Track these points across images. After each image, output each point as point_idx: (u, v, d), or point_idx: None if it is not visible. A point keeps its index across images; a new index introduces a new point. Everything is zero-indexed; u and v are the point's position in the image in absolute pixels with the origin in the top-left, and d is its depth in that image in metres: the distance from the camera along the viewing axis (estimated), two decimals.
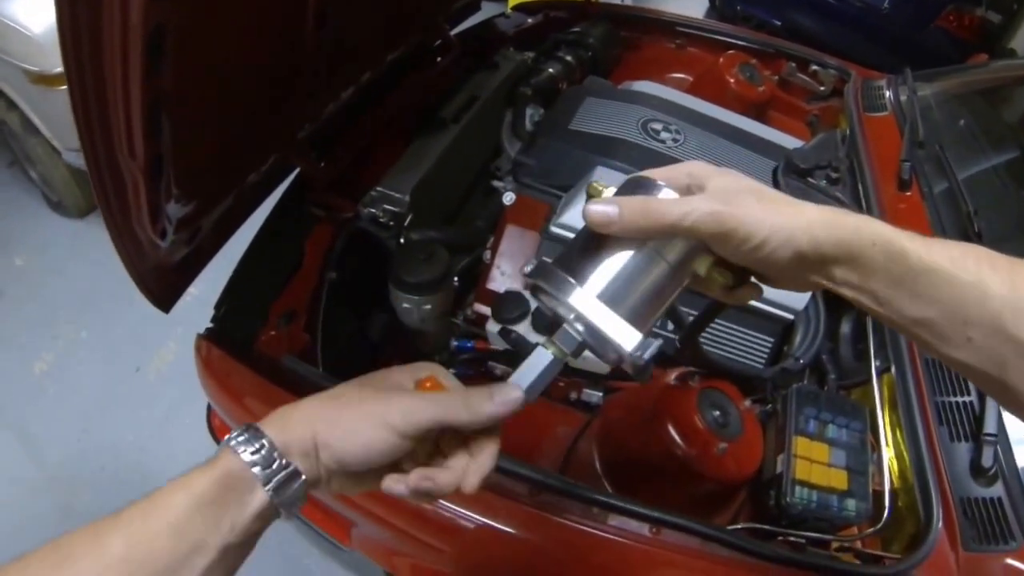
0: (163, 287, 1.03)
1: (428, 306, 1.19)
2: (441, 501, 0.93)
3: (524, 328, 1.14)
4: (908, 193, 1.36)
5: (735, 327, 1.17)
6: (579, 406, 1.23)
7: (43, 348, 2.21)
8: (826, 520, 0.97)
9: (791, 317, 1.17)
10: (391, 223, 1.29)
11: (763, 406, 1.12)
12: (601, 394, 1.19)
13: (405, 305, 1.20)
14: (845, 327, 1.22)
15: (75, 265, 2.37)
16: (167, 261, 1.00)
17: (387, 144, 1.46)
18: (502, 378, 1.20)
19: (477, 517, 0.94)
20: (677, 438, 1.00)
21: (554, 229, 1.18)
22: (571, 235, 1.15)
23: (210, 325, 1.16)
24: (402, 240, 1.27)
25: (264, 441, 0.51)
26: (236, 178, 1.09)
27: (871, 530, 0.98)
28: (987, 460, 0.96)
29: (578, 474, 1.13)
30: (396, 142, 1.46)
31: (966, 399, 1.01)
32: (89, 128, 0.75)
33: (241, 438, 0.51)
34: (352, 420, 0.53)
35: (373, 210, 1.31)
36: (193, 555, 0.47)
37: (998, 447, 0.96)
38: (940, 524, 0.92)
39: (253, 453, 0.50)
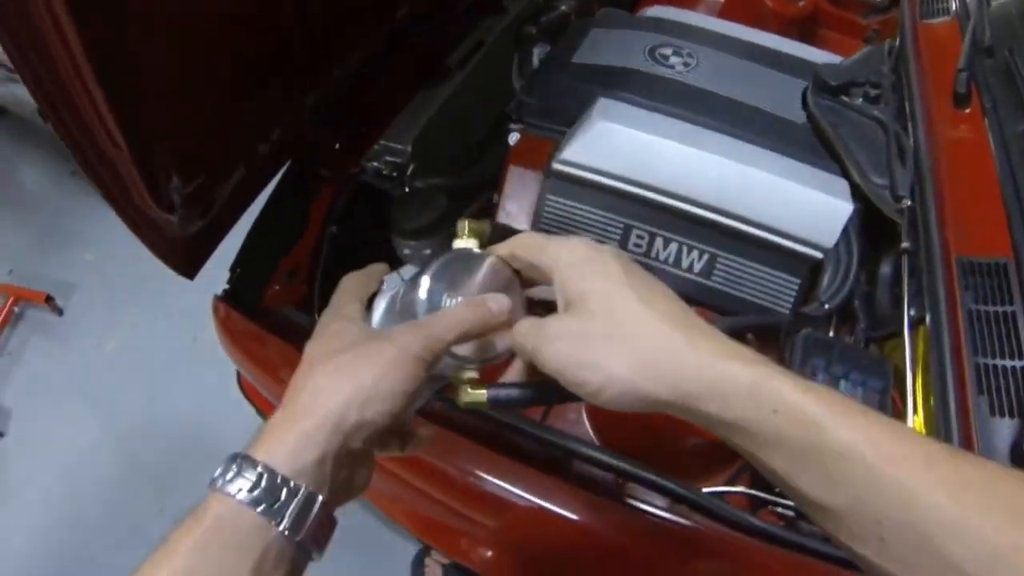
0: (183, 258, 1.05)
1: (428, 251, 1.16)
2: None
3: None
4: (966, 110, 1.16)
5: (754, 265, 1.05)
6: None
7: (113, 329, 2.45)
8: None
9: (819, 256, 1.04)
10: (394, 174, 1.26)
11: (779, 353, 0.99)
12: None
13: (406, 251, 1.18)
14: (885, 268, 1.06)
15: (135, 253, 2.46)
16: (183, 234, 1.01)
17: (395, 98, 1.40)
18: None
19: (449, 463, 0.89)
20: None
21: (556, 166, 1.10)
22: (574, 171, 1.08)
23: (225, 287, 1.19)
24: (406, 189, 1.24)
25: (259, 470, 0.42)
26: (242, 152, 1.08)
27: None
28: None
29: (562, 419, 1.06)
30: (404, 95, 1.41)
31: (1016, 363, 0.83)
32: (68, 132, 0.76)
33: (229, 475, 0.42)
34: (375, 378, 0.46)
35: (376, 164, 1.28)
36: None
37: None
38: None
39: (251, 490, 0.41)
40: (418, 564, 1.68)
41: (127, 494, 2.12)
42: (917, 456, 0.36)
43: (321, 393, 0.46)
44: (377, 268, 0.62)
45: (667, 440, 0.92)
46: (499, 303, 0.52)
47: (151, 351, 2.36)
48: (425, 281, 0.53)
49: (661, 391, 0.41)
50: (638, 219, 1.07)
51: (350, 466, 0.47)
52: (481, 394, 0.53)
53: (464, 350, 0.53)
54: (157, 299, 2.40)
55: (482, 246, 0.59)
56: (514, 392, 0.54)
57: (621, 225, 1.08)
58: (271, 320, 1.11)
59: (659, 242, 1.07)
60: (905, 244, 1.01)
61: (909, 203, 1.04)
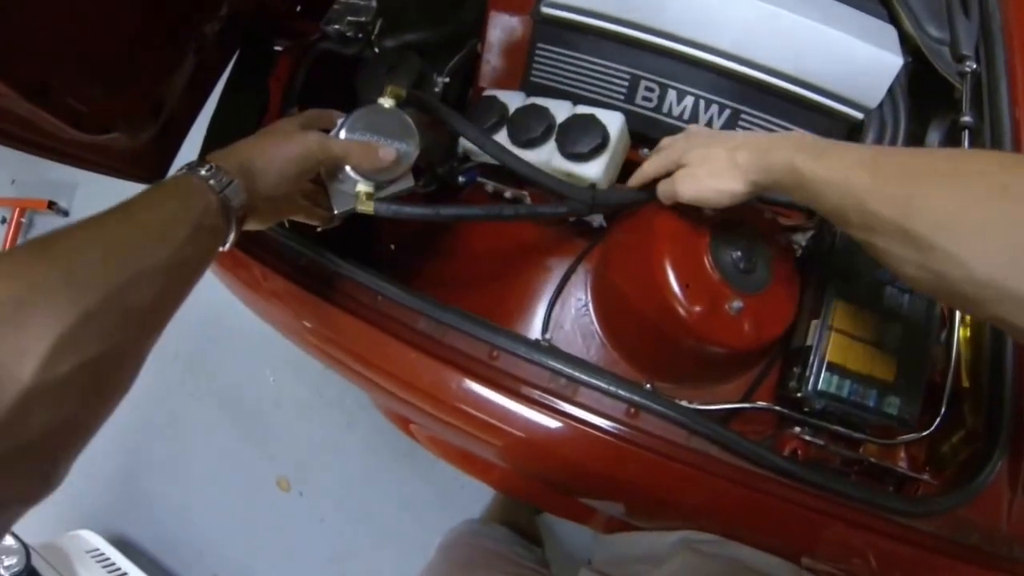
0: (143, 167, 0.99)
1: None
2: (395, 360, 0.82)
3: (502, 138, 0.91)
4: None
5: (783, 123, 0.88)
6: (580, 230, 0.98)
7: None
8: (856, 417, 0.75)
9: (859, 116, 0.86)
10: (359, 35, 1.07)
11: (808, 238, 0.85)
12: (601, 215, 0.95)
13: None
14: (933, 136, 0.89)
15: None
16: (135, 144, 0.95)
17: None
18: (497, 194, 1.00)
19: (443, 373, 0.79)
20: (676, 288, 0.75)
21: (546, 9, 0.91)
22: (566, 14, 0.90)
23: None
24: (376, 51, 1.06)
25: (209, 164, 0.61)
26: (184, 41, 0.97)
27: (908, 436, 0.76)
28: None
29: (568, 308, 0.93)
30: None
31: None
32: None
33: (189, 168, 0.61)
34: (278, 150, 0.68)
35: (337, 26, 1.08)
36: (172, 224, 0.54)
37: None
38: (1004, 453, 0.71)
39: (206, 171, 0.61)
40: None
41: (160, 379, 2.22)
42: (852, 164, 0.56)
43: (243, 149, 0.66)
44: (332, 111, 0.79)
45: (679, 338, 0.79)
46: (387, 153, 0.75)
47: None
48: (346, 122, 0.76)
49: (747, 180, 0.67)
50: (647, 69, 0.89)
51: (261, 199, 0.66)
52: (369, 204, 0.76)
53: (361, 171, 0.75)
54: None
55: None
56: (394, 206, 0.77)
57: (627, 76, 0.90)
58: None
59: (672, 95, 0.89)
60: (967, 118, 0.85)
61: (974, 66, 0.87)
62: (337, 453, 2.09)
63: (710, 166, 0.70)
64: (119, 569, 2.00)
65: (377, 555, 2.04)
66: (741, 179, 0.67)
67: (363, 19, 1.06)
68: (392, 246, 1.04)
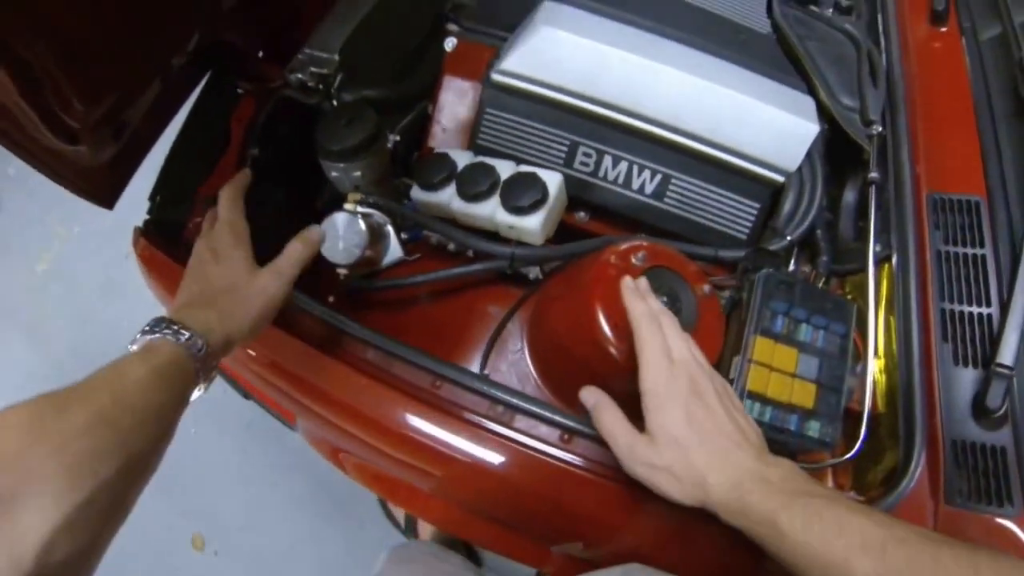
0: (99, 188, 0.99)
1: (357, 173, 1.04)
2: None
3: (449, 194, 0.97)
4: (943, 29, 1.09)
5: (711, 188, 0.96)
6: (516, 281, 1.04)
7: (42, 248, 2.35)
8: (780, 443, 0.80)
9: (781, 179, 0.95)
10: (320, 86, 1.13)
11: (733, 289, 0.92)
12: (539, 267, 1.01)
13: (334, 174, 1.06)
14: (849, 195, 0.99)
15: None
16: (95, 162, 0.94)
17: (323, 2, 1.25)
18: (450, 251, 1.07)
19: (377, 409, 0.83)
20: (607, 329, 0.81)
21: (496, 76, 0.99)
22: (515, 83, 0.98)
23: (146, 217, 1.09)
24: (334, 103, 1.11)
25: (189, 332, 0.65)
26: (154, 65, 0.98)
27: (833, 460, 0.81)
28: (995, 398, 0.75)
29: (504, 361, 0.99)
30: None
31: (984, 311, 0.80)
32: None
33: (168, 331, 0.64)
34: (246, 307, 0.75)
35: (300, 75, 1.13)
36: (164, 409, 0.59)
37: (1013, 383, 0.76)
38: (921, 467, 0.75)
39: (187, 340, 0.64)
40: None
41: None
42: (854, 544, 0.50)
43: (215, 318, 0.71)
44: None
45: (603, 383, 0.83)
46: (312, 232, 0.87)
47: (83, 269, 2.27)
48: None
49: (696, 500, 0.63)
50: (585, 135, 0.98)
51: (239, 342, 0.73)
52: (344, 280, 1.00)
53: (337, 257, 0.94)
54: (85, 213, 2.20)
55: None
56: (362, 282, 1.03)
57: (567, 142, 0.98)
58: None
59: (608, 160, 0.98)
60: (873, 174, 0.95)
61: (880, 129, 0.97)
62: (256, 512, 1.97)
63: (679, 469, 0.63)
64: None
65: None
66: (697, 501, 0.62)
67: (325, 71, 1.12)
68: (330, 298, 1.08)
